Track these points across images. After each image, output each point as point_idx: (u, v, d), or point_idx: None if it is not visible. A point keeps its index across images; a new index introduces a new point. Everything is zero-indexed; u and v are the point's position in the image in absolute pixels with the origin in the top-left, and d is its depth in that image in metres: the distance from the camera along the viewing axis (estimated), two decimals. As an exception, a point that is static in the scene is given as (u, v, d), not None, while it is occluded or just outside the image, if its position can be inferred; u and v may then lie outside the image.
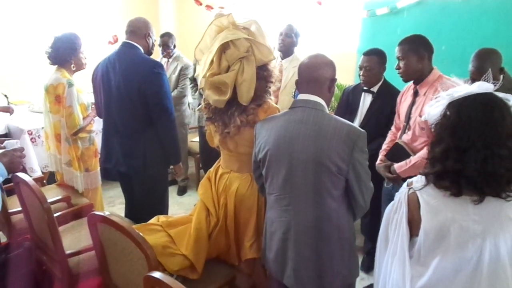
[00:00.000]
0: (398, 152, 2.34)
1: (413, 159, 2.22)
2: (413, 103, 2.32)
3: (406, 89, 2.46)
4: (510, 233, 1.27)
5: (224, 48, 1.88)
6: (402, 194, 1.42)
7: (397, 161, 2.31)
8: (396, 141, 2.41)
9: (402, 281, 1.39)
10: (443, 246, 1.32)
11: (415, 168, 2.19)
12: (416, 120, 2.25)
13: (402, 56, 2.26)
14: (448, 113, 1.32)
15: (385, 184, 2.45)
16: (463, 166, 1.25)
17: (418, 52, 2.22)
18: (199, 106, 2.17)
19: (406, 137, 2.34)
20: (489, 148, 1.24)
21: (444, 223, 1.30)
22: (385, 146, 2.54)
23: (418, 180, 1.39)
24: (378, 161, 2.46)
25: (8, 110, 3.60)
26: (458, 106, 1.30)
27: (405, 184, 1.44)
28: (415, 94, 2.32)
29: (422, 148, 2.22)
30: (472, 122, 1.26)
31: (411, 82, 2.37)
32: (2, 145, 1.74)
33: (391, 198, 2.46)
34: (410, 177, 2.22)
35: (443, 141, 1.31)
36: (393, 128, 2.58)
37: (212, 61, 1.89)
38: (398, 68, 2.30)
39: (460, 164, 1.26)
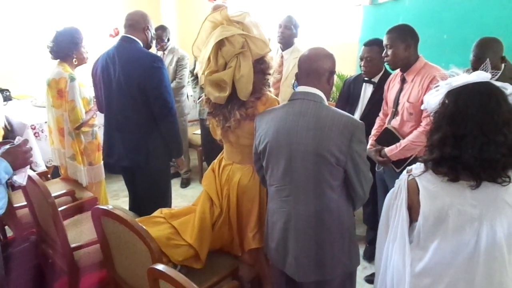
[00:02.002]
0: (388, 137, 2.43)
1: (403, 142, 2.33)
2: (401, 89, 2.40)
3: (393, 76, 2.55)
4: (506, 217, 1.31)
5: (219, 45, 1.89)
6: (402, 181, 1.46)
7: (387, 145, 2.41)
8: (386, 126, 2.49)
9: (403, 265, 1.43)
10: (441, 230, 1.36)
11: (405, 151, 2.33)
12: (404, 106, 2.36)
13: (390, 44, 2.34)
14: (446, 101, 1.36)
15: (376, 168, 2.53)
16: (460, 153, 1.30)
17: (405, 41, 2.30)
18: (200, 99, 2.19)
19: (395, 122, 2.44)
20: (485, 135, 1.28)
21: (442, 207, 1.35)
22: (374, 131, 2.63)
23: (417, 167, 1.43)
24: (368, 146, 2.52)
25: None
26: (456, 95, 1.34)
27: (405, 171, 1.48)
28: (403, 81, 2.40)
29: (410, 133, 2.33)
30: (469, 110, 1.30)
31: (398, 70, 2.45)
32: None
33: (383, 182, 2.52)
34: (400, 160, 2.31)
35: (441, 128, 1.35)
36: (380, 114, 2.66)
37: (209, 59, 1.90)
38: (386, 55, 2.38)
39: (457, 150, 1.30)
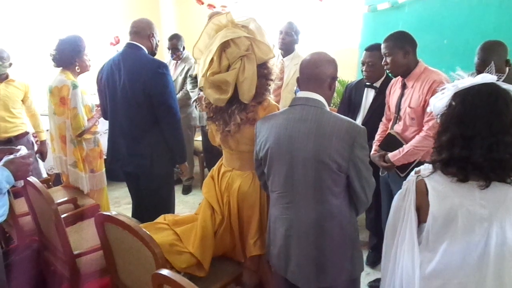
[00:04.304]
0: (391, 142, 2.43)
1: (406, 147, 2.33)
2: (402, 95, 2.41)
3: (394, 81, 2.55)
4: None
5: (224, 46, 1.88)
6: (410, 182, 1.47)
7: (391, 150, 2.41)
8: (389, 131, 2.49)
9: (412, 267, 1.43)
10: (451, 231, 1.37)
11: (408, 156, 2.32)
12: (406, 111, 2.36)
13: (388, 52, 2.35)
14: (453, 103, 1.37)
15: (380, 173, 2.52)
16: (469, 153, 1.30)
17: (403, 48, 2.31)
18: (196, 99, 2.18)
19: (398, 127, 2.44)
20: (494, 135, 1.29)
21: (451, 208, 1.35)
22: (377, 136, 2.63)
23: (426, 168, 1.44)
24: (372, 151, 2.53)
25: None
26: (463, 96, 1.35)
27: (412, 173, 1.48)
28: (403, 86, 2.41)
29: (413, 137, 2.33)
30: (477, 110, 1.31)
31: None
32: (18, 154, 1.73)
33: (387, 187, 2.52)
34: (404, 164, 2.32)
35: (449, 129, 1.36)
36: (384, 119, 2.66)
37: (212, 60, 1.89)
38: (386, 64, 2.39)
39: (466, 151, 1.31)
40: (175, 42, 4.01)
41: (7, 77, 3.36)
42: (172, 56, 4.11)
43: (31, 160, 1.71)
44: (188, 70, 4.05)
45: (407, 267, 1.44)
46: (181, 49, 4.09)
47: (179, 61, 4.12)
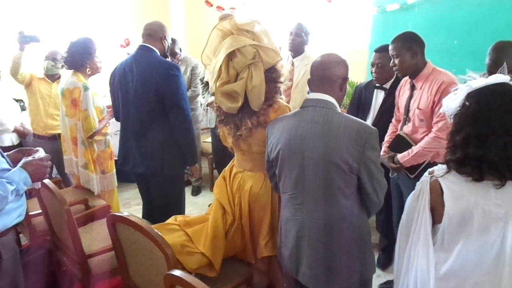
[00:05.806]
0: (400, 143, 2.43)
1: (415, 149, 2.32)
2: (411, 96, 2.40)
3: (404, 82, 2.54)
4: None
5: (230, 56, 1.89)
6: (424, 182, 1.46)
7: (400, 152, 2.41)
8: (398, 132, 2.49)
9: (427, 268, 1.42)
10: (466, 230, 1.36)
11: (417, 157, 2.32)
12: (415, 112, 2.35)
13: (396, 53, 2.35)
14: (467, 103, 1.37)
15: (390, 174, 2.51)
16: (484, 152, 1.30)
17: (411, 48, 2.30)
18: (206, 104, 2.19)
19: (407, 128, 2.44)
20: (509, 134, 1.29)
21: (467, 207, 1.35)
22: (387, 138, 2.62)
23: (439, 169, 1.44)
24: (381, 153, 2.51)
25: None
26: (477, 96, 1.35)
27: (426, 173, 1.48)
28: (412, 87, 2.40)
29: (422, 139, 2.32)
30: (492, 110, 1.31)
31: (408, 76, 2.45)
32: (36, 156, 1.75)
33: (398, 189, 2.52)
34: (413, 166, 2.31)
35: (463, 129, 1.36)
36: (393, 120, 2.65)
37: (220, 69, 1.90)
38: (394, 65, 2.38)
39: (481, 150, 1.31)
40: (172, 47, 4.05)
41: (59, 77, 3.56)
42: (172, 61, 4.15)
43: (49, 162, 1.72)
44: (192, 68, 4.09)
45: (421, 268, 1.43)
46: (179, 52, 4.14)
47: (179, 63, 4.16)
